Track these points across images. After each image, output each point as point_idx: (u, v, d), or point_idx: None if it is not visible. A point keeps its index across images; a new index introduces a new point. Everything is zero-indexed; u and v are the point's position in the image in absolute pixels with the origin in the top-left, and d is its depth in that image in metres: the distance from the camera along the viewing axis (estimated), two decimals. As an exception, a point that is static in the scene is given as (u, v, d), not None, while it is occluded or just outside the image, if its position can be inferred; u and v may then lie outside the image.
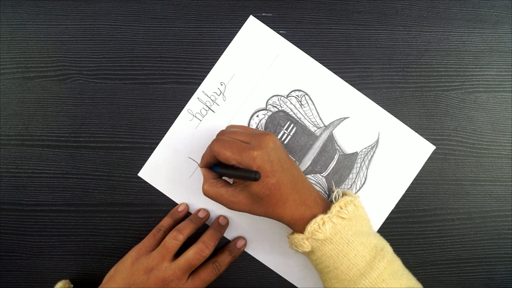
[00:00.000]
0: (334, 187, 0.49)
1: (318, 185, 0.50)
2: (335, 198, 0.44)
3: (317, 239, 0.40)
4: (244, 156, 0.38)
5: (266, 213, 0.41)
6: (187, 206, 0.49)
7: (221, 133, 0.43)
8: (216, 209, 0.50)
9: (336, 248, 0.40)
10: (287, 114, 0.50)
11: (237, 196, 0.41)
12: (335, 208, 0.41)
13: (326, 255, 0.40)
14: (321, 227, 0.39)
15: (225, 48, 0.51)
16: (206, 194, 0.43)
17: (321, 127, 0.50)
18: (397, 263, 0.41)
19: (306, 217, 0.41)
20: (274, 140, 0.41)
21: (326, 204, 0.43)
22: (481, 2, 0.52)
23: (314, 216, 0.40)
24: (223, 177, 0.46)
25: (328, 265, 0.40)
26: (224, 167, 0.42)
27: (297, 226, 0.41)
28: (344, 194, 0.45)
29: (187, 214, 0.49)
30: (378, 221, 0.50)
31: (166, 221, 0.48)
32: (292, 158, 0.50)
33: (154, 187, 0.50)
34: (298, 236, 0.41)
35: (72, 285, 0.48)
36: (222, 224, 0.49)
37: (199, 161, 0.49)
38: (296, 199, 0.41)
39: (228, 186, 0.42)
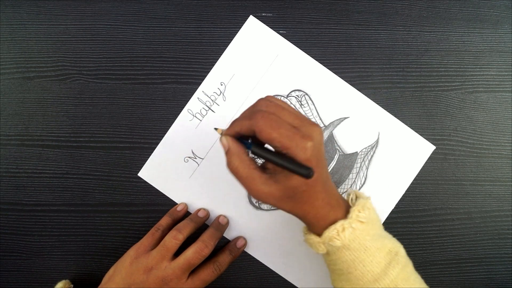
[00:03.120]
0: (349, 189, 0.48)
1: (318, 185, 0.50)
2: (351, 200, 0.41)
3: (334, 245, 0.38)
4: (295, 143, 0.33)
5: (292, 209, 0.38)
6: (186, 206, 0.49)
7: (265, 105, 0.35)
8: (216, 209, 0.50)
9: (353, 254, 0.38)
10: (287, 114, 0.50)
11: (270, 186, 0.35)
12: (354, 212, 0.38)
13: (341, 260, 0.39)
14: (340, 233, 0.37)
15: (225, 48, 0.51)
16: (234, 170, 0.36)
17: (321, 127, 0.50)
18: (410, 266, 0.40)
19: (328, 219, 0.38)
20: (321, 132, 0.36)
21: (346, 205, 0.40)
22: (481, 2, 0.52)
23: (336, 219, 0.38)
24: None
25: (342, 268, 0.39)
26: (259, 146, 0.36)
27: (317, 226, 0.39)
28: (356, 196, 0.42)
29: (186, 214, 0.49)
30: (378, 221, 0.50)
31: (164, 220, 0.48)
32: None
33: (154, 187, 0.50)
34: (314, 239, 0.39)
35: (72, 285, 0.48)
36: (222, 223, 0.48)
37: (199, 161, 0.50)
38: (324, 198, 0.38)
39: (262, 171, 0.36)
